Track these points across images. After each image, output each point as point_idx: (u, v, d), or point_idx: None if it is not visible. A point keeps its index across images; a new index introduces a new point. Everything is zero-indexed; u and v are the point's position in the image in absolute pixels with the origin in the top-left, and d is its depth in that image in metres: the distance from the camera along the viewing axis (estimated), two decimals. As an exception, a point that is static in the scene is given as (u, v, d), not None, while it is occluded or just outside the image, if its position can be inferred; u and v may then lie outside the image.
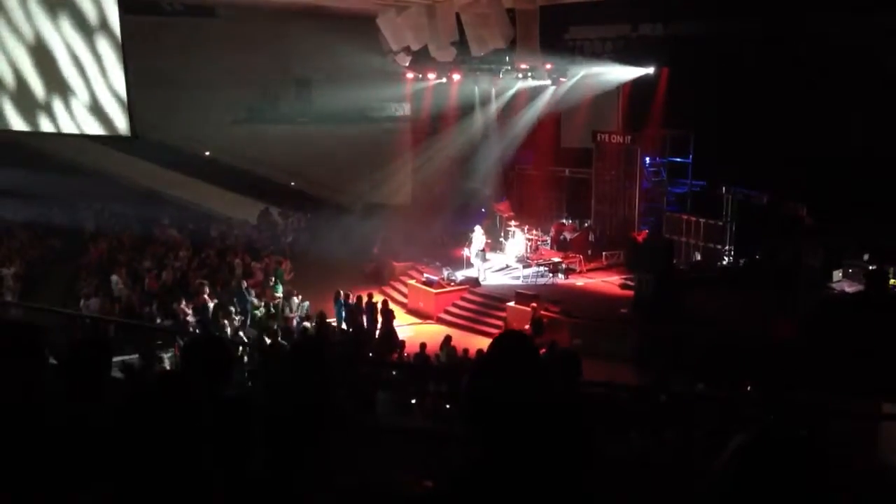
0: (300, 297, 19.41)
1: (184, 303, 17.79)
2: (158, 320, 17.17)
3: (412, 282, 21.26)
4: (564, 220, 23.97)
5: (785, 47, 19.50)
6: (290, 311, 18.97)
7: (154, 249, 21.75)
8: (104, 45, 19.34)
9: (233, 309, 17.79)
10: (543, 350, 11.69)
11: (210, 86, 23.98)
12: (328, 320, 18.17)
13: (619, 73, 22.50)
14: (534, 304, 17.86)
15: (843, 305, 16.53)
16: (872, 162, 17.54)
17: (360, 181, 25.50)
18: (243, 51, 23.74)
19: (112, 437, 2.19)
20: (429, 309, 20.25)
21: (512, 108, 24.83)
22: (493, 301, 19.81)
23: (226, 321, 16.63)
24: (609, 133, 23.37)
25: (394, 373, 13.29)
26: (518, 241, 22.61)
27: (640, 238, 21.41)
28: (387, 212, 25.35)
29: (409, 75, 25.07)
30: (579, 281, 21.01)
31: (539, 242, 22.88)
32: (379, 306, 18.16)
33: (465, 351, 15.08)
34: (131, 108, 19.64)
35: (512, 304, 18.83)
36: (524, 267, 21.54)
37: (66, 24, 19.01)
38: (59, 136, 20.97)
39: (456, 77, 24.56)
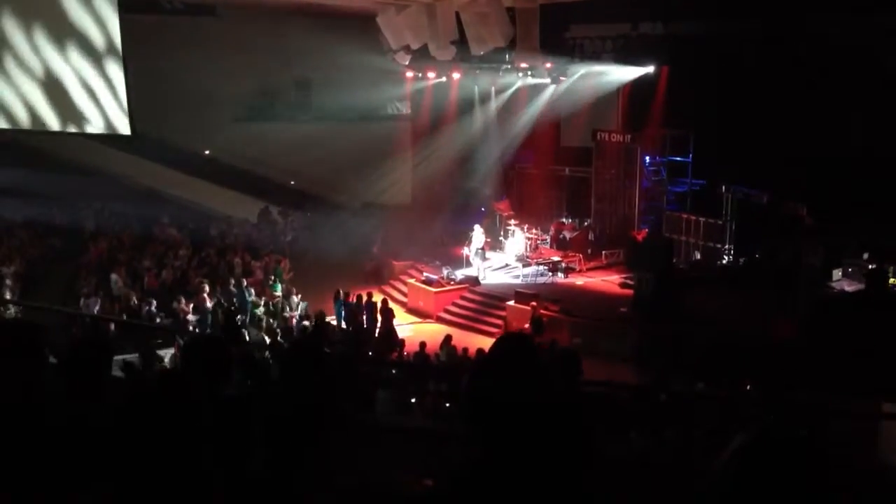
0: (299, 296, 19.42)
1: (183, 301, 17.81)
2: (158, 319, 17.17)
3: (412, 281, 21.26)
4: (564, 219, 23.98)
5: (785, 47, 19.49)
6: (290, 310, 18.98)
7: (154, 248, 21.75)
8: (104, 44, 19.35)
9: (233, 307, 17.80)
10: (544, 349, 11.70)
11: (210, 84, 23.94)
12: (328, 319, 18.17)
13: (619, 74, 22.51)
14: (533, 303, 17.86)
15: (843, 305, 16.54)
16: (872, 162, 17.54)
17: (359, 180, 25.50)
18: (243, 50, 23.72)
19: (112, 437, 2.19)
20: (428, 308, 20.25)
21: (512, 106, 24.83)
22: (492, 300, 19.81)
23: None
24: (609, 132, 23.37)
25: (393, 372, 13.29)
26: (518, 239, 22.61)
27: (639, 237, 21.42)
28: (386, 211, 25.34)
29: (409, 74, 25.08)
30: (579, 280, 21.02)
31: (539, 241, 22.88)
32: (378, 305, 18.17)
33: (465, 350, 15.09)
34: (131, 107, 19.67)
35: (512, 303, 18.83)
36: (524, 266, 21.54)
37: (66, 23, 19.01)
38: (60, 135, 20.99)
39: (456, 76, 24.57)
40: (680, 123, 21.32)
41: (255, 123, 25.76)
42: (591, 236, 22.98)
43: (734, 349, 14.24)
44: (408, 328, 19.13)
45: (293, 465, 2.86)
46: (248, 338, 15.90)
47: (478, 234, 21.51)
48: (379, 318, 18.00)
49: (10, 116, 19.84)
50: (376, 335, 17.84)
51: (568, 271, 21.22)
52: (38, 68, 19.38)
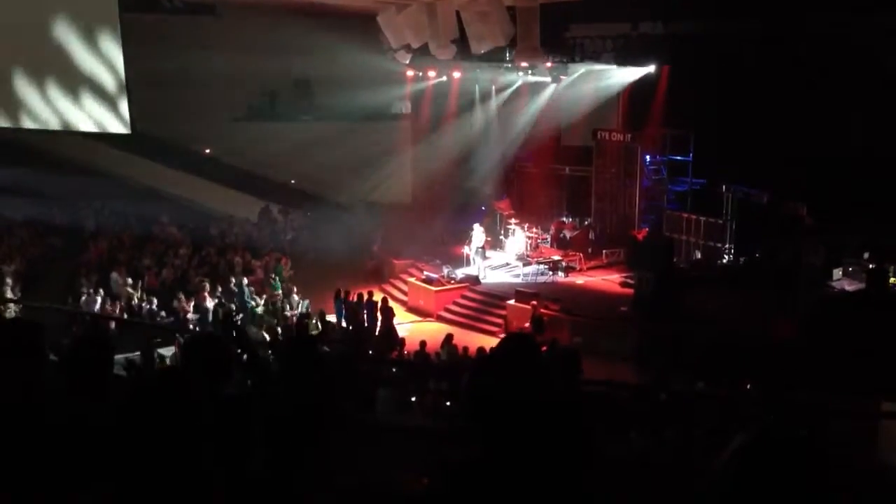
0: (300, 294, 19.42)
1: (184, 300, 17.82)
2: (159, 318, 17.19)
3: (412, 280, 21.26)
4: (565, 218, 23.97)
5: (785, 47, 19.48)
6: (290, 308, 18.98)
7: (154, 247, 21.76)
8: (104, 43, 19.34)
9: (233, 307, 17.81)
10: (544, 348, 11.69)
11: (210, 83, 23.94)
12: (328, 318, 18.19)
13: (620, 76, 22.52)
14: (534, 303, 17.86)
15: (844, 304, 16.54)
16: (872, 162, 17.53)
17: (360, 179, 25.49)
18: (243, 49, 23.69)
19: (112, 437, 2.19)
20: (429, 307, 20.24)
21: (512, 106, 24.82)
22: (493, 299, 19.81)
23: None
24: (609, 131, 23.37)
25: (394, 370, 13.29)
26: (518, 239, 22.61)
27: (640, 236, 21.41)
28: (387, 210, 25.34)
29: (410, 73, 25.05)
30: (579, 279, 21.01)
31: (539, 240, 22.87)
32: (379, 304, 18.17)
33: (465, 349, 15.09)
34: (131, 106, 19.67)
35: (512, 302, 18.83)
36: (524, 265, 21.54)
37: (67, 23, 19.01)
38: (60, 134, 20.99)
39: (456, 75, 24.55)
40: (680, 123, 21.31)
41: (255, 123, 25.78)
42: (591, 235, 22.98)
43: (734, 349, 14.23)
44: (408, 327, 19.12)
45: (293, 464, 2.86)
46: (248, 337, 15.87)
47: (478, 233, 21.50)
48: (379, 316, 18.01)
49: (10, 115, 19.83)
50: (376, 334, 17.85)
51: (568, 270, 21.21)
52: (38, 68, 19.37)
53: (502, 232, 23.51)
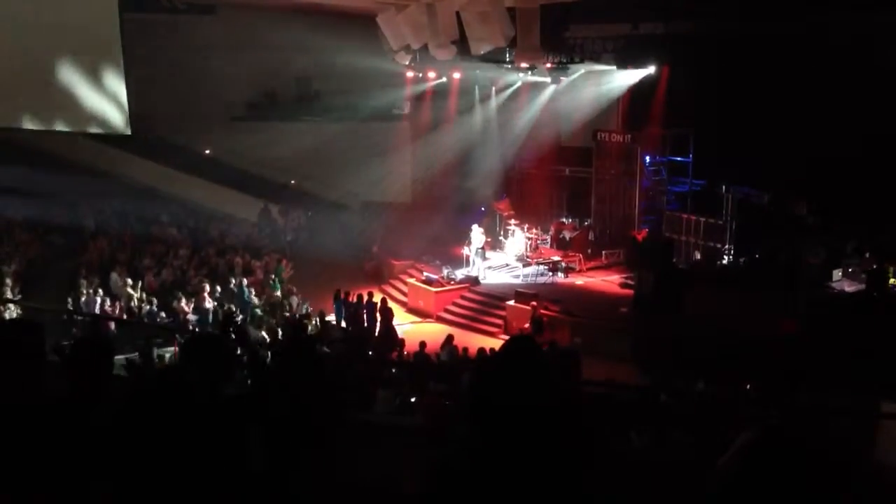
0: (300, 295, 19.41)
1: (184, 301, 17.81)
2: (158, 319, 17.19)
3: (412, 280, 21.26)
4: (564, 219, 23.96)
5: (785, 47, 19.47)
6: (290, 309, 18.97)
7: (154, 248, 21.75)
8: (104, 42, 19.32)
9: (233, 307, 17.81)
10: (545, 346, 11.69)
11: (210, 83, 23.97)
12: (328, 318, 18.18)
13: (621, 80, 22.54)
14: (534, 303, 17.86)
15: (844, 304, 16.53)
16: (872, 162, 17.53)
17: (359, 179, 25.49)
18: (243, 48, 23.73)
19: (112, 437, 2.19)
20: (428, 307, 20.24)
21: (512, 106, 24.82)
22: (492, 300, 19.81)
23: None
24: (609, 132, 23.37)
25: (394, 371, 13.29)
26: (518, 239, 22.61)
27: (640, 237, 21.40)
28: (386, 210, 25.34)
29: (409, 74, 25.05)
30: (579, 280, 21.01)
31: (539, 241, 22.86)
32: (378, 305, 18.17)
33: (465, 350, 15.08)
34: (131, 107, 19.66)
35: (512, 302, 18.83)
36: (524, 266, 21.55)
37: (67, 22, 18.96)
38: (60, 134, 20.98)
39: (456, 76, 24.55)
40: (680, 123, 21.33)
41: (255, 123, 25.78)
42: (591, 236, 22.97)
43: (734, 349, 14.23)
44: (408, 328, 19.12)
45: (292, 464, 2.86)
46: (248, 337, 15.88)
47: (478, 234, 21.49)
48: (379, 317, 18.00)
49: (10, 115, 19.81)
50: (376, 335, 17.84)
51: (568, 271, 21.22)
52: (37, 68, 19.36)
53: (502, 232, 23.51)
